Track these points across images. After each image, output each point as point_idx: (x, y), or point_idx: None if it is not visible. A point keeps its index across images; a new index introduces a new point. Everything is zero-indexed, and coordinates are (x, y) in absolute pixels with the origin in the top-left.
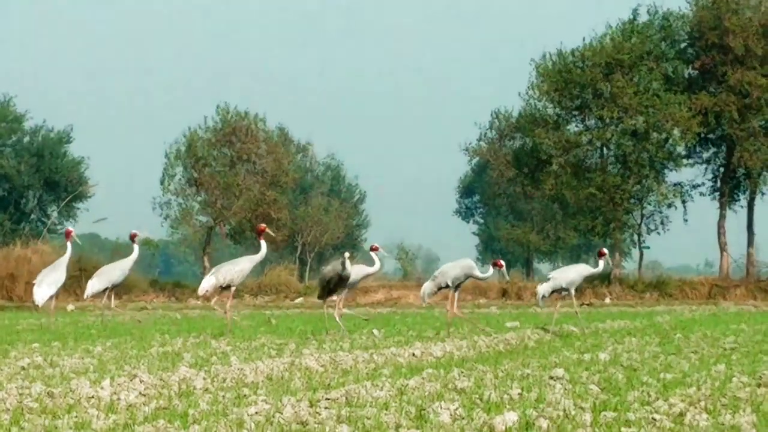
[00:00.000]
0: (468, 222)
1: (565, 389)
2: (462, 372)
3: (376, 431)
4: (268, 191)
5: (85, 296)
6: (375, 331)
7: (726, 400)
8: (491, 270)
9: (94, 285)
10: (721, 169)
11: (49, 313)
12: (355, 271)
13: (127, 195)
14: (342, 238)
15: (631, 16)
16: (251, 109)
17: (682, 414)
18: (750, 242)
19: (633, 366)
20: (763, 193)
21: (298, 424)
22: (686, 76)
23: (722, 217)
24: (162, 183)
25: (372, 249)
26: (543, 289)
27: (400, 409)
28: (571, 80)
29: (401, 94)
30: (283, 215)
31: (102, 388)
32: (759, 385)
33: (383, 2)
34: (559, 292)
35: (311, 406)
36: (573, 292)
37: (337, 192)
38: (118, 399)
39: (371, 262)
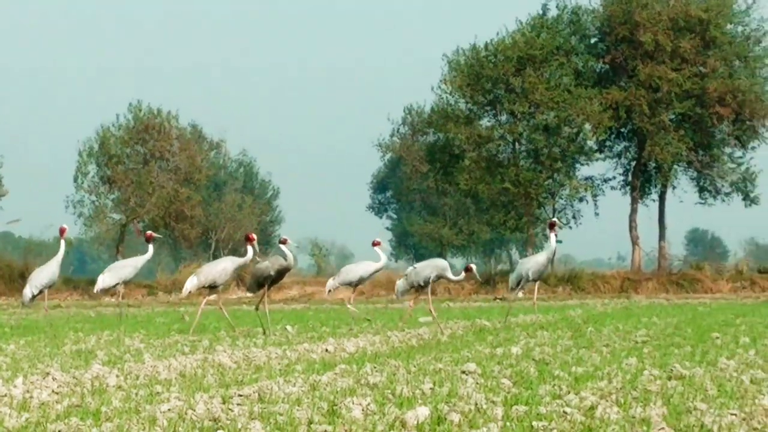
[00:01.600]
0: (381, 217)
1: (477, 383)
2: (374, 367)
3: (289, 427)
4: (181, 188)
5: (95, 290)
6: (288, 327)
7: (637, 393)
8: (463, 275)
9: (105, 280)
10: (632, 163)
11: (42, 310)
12: (363, 267)
13: (40, 193)
14: (255, 234)
15: (541, 12)
16: (164, 107)
17: (593, 407)
18: (661, 236)
19: (545, 360)
20: (674, 187)
21: (210, 420)
22: (597, 70)
23: (634, 210)
24: (75, 181)
25: (374, 244)
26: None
27: (313, 405)
28: (483, 75)
29: (314, 89)
30: (197, 212)
31: (15, 386)
32: (670, 378)
33: None
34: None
35: (224, 402)
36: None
37: (251, 188)
38: (31, 397)
39: (376, 258)
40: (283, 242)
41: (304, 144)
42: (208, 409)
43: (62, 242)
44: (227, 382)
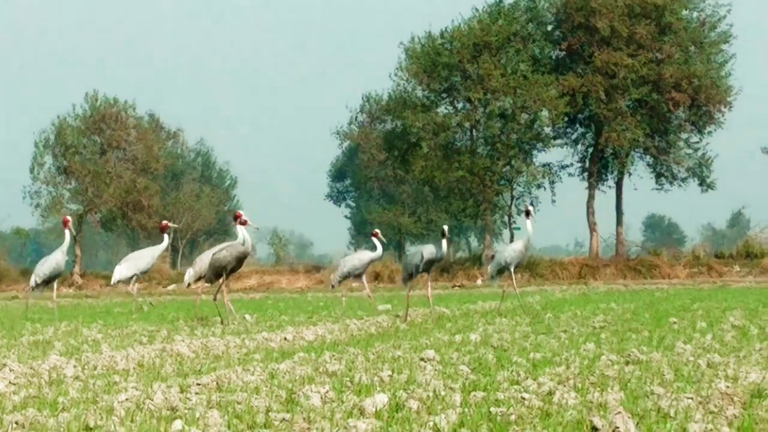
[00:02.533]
0: (340, 206)
1: (436, 370)
2: (333, 355)
3: (247, 416)
4: (138, 178)
5: (112, 282)
6: (247, 316)
7: (594, 378)
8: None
9: (121, 272)
10: (590, 150)
11: (52, 300)
12: (358, 256)
13: None
14: (213, 224)
15: None
16: (120, 96)
17: (551, 392)
18: (619, 222)
19: (503, 346)
20: (630, 173)
21: (168, 410)
22: (553, 57)
23: (591, 197)
24: (32, 171)
25: (373, 235)
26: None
27: (271, 393)
28: (440, 62)
29: (272, 78)
30: (154, 202)
31: None
32: (627, 363)
33: None
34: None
35: (182, 391)
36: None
37: (208, 178)
38: None
39: (373, 248)
40: (375, 235)
41: (261, 133)
42: (166, 398)
43: (66, 232)
44: (185, 371)
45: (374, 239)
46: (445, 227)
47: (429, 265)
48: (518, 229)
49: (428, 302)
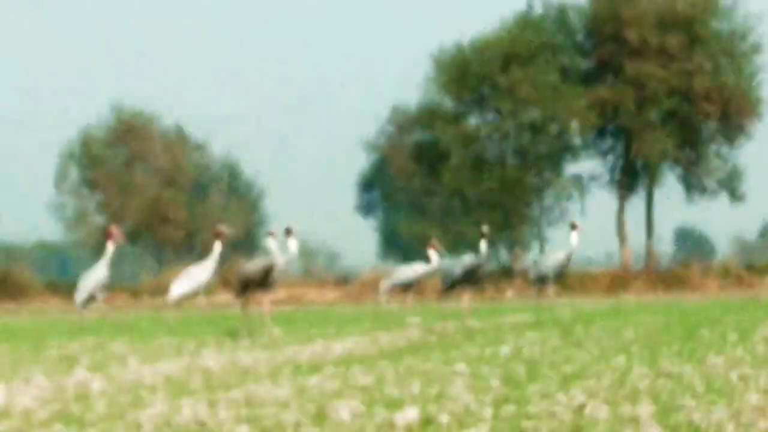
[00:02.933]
0: (368, 218)
1: (466, 384)
2: (362, 369)
3: (276, 430)
4: (164, 190)
5: (170, 298)
6: (275, 330)
7: (625, 391)
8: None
9: (178, 288)
10: (619, 161)
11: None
12: (413, 267)
13: (19, 196)
14: (241, 236)
15: (527, 9)
16: (147, 108)
17: (582, 406)
18: (649, 233)
19: (534, 359)
20: (660, 185)
21: (196, 425)
22: (583, 68)
23: (621, 208)
24: (56, 184)
25: (430, 246)
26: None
27: (300, 408)
28: (469, 73)
29: (298, 89)
30: (181, 214)
31: None
32: (658, 376)
33: None
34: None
35: (210, 406)
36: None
37: (235, 190)
38: (13, 404)
39: (427, 260)
40: (271, 234)
41: (289, 144)
42: (194, 413)
43: (109, 244)
44: (214, 386)
45: (430, 251)
46: (485, 227)
47: (470, 274)
48: (548, 241)
49: (462, 315)
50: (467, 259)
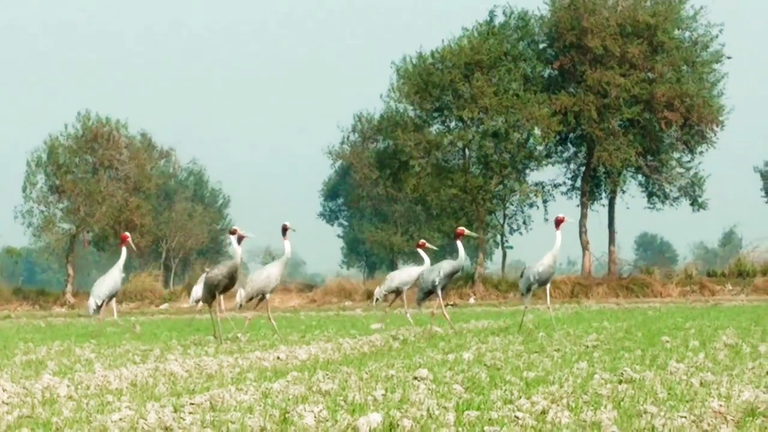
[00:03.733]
0: (332, 225)
1: (429, 389)
2: (326, 374)
3: None
4: (131, 197)
5: (190, 302)
6: (240, 335)
7: (588, 396)
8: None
9: (198, 291)
10: (582, 169)
11: (98, 320)
12: (407, 271)
13: None
14: (206, 243)
15: (488, 18)
16: (113, 115)
17: (544, 412)
18: (611, 240)
19: (496, 365)
20: (623, 192)
21: (162, 429)
22: (545, 76)
23: (583, 216)
24: (24, 191)
25: (419, 246)
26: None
27: (265, 413)
28: (431, 82)
29: (265, 97)
30: (147, 221)
31: None
32: (620, 382)
33: (245, 2)
34: (394, 293)
35: (175, 411)
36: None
37: (201, 197)
38: None
39: (420, 261)
40: (233, 233)
41: (254, 152)
42: (159, 418)
43: (123, 249)
44: (179, 390)
45: (420, 251)
46: (461, 228)
47: (449, 279)
48: (510, 247)
49: (430, 320)
50: (446, 265)
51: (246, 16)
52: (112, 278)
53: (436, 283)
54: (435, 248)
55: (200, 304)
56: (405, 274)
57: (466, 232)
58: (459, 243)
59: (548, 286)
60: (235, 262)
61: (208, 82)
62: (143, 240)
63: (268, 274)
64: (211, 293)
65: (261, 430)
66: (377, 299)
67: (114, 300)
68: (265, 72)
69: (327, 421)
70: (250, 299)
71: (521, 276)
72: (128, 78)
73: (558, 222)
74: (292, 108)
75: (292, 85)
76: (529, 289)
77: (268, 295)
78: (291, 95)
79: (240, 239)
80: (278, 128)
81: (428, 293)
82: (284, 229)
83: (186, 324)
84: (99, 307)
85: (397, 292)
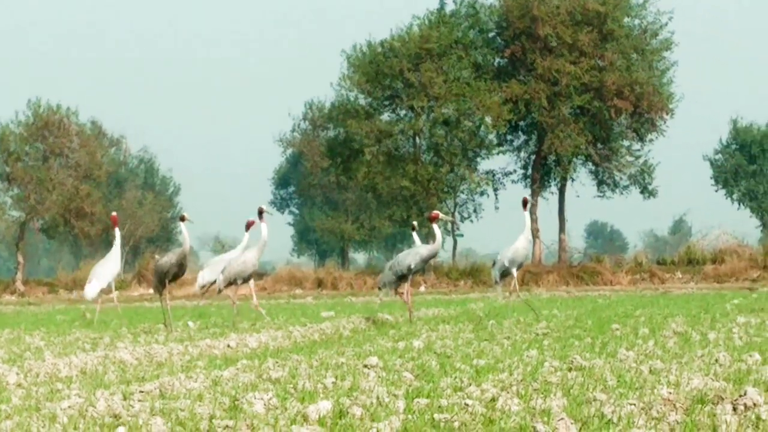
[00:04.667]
0: (283, 213)
1: (379, 377)
2: (277, 362)
3: (190, 423)
4: (81, 185)
5: (196, 287)
6: (190, 323)
7: (537, 384)
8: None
9: (204, 276)
10: (532, 157)
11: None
12: (416, 251)
13: None
14: (157, 231)
15: (439, 6)
16: (63, 103)
17: (494, 399)
18: (561, 228)
19: (446, 353)
20: (573, 180)
21: (111, 417)
22: (496, 64)
23: (534, 204)
24: None
25: (432, 218)
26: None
27: (214, 400)
28: (382, 70)
29: (215, 85)
30: (97, 209)
31: None
32: (570, 369)
33: None
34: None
35: (125, 398)
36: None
37: (151, 185)
38: None
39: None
40: (182, 219)
41: (205, 140)
42: (108, 405)
43: (117, 231)
44: (128, 378)
45: (433, 225)
46: (436, 211)
47: (424, 263)
48: (461, 235)
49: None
50: (423, 250)
51: (196, 3)
52: (114, 260)
53: (412, 267)
54: (452, 220)
55: (223, 289)
56: (416, 254)
57: (441, 216)
58: (435, 227)
59: (514, 271)
60: (184, 249)
61: (159, 70)
62: (93, 228)
63: (245, 260)
64: (161, 281)
65: (210, 417)
66: (380, 286)
67: (113, 283)
68: (216, 60)
69: (277, 408)
70: (229, 284)
71: (493, 265)
72: (79, 66)
73: (525, 203)
74: (243, 96)
75: (243, 73)
76: (504, 274)
77: (251, 282)
78: (242, 83)
79: (182, 219)
80: (229, 116)
81: (402, 277)
82: (260, 212)
83: (136, 312)
84: (102, 291)
85: (406, 275)
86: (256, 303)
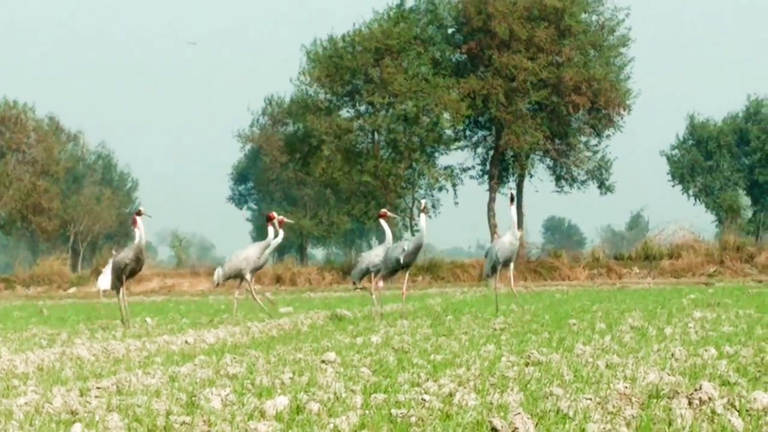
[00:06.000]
0: (242, 209)
1: (337, 372)
2: (234, 358)
3: (147, 419)
4: (39, 181)
5: (214, 282)
6: (148, 320)
7: (495, 379)
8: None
9: (219, 272)
10: (490, 152)
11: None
12: (375, 252)
13: None
14: (114, 226)
15: (399, 2)
16: (20, 98)
17: (451, 394)
18: (519, 224)
19: (404, 348)
20: (531, 175)
21: (67, 413)
22: (454, 60)
23: (492, 199)
24: None
25: (380, 216)
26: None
27: (172, 396)
28: (342, 66)
29: (174, 80)
30: (55, 205)
31: None
32: (527, 364)
33: None
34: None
35: (81, 395)
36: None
37: (109, 181)
38: None
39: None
40: (139, 214)
41: (163, 136)
42: (65, 402)
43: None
44: (85, 374)
45: (382, 222)
46: (424, 201)
47: (414, 255)
48: (419, 231)
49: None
50: (407, 243)
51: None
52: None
53: (401, 260)
54: (396, 217)
55: (221, 284)
56: (374, 254)
57: (389, 213)
58: (384, 224)
59: (512, 266)
60: (139, 244)
61: (116, 65)
62: (51, 224)
63: (246, 256)
64: (119, 277)
65: (167, 413)
66: (354, 282)
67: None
68: (175, 54)
69: (234, 404)
70: (228, 279)
71: (486, 256)
72: (36, 61)
73: (512, 198)
74: (202, 91)
75: (202, 68)
76: (494, 270)
77: (248, 276)
78: (201, 78)
79: (138, 213)
80: (188, 111)
81: (394, 271)
82: (269, 219)
83: (94, 308)
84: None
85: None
86: (239, 298)
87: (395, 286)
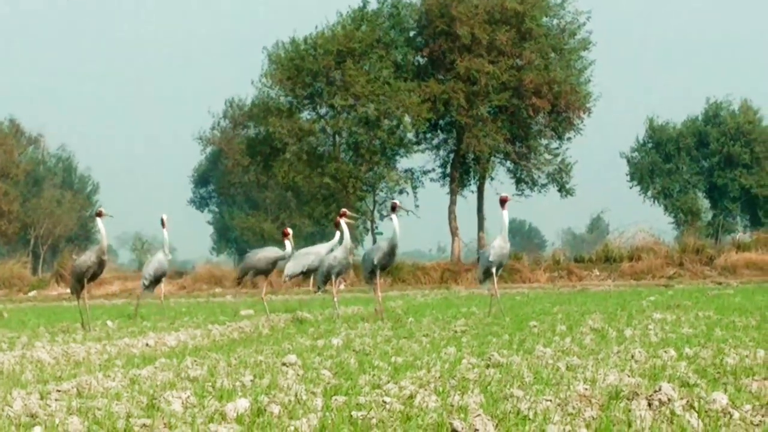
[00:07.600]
0: (203, 211)
1: (298, 375)
2: (195, 361)
3: (107, 421)
4: None
5: (283, 278)
6: (109, 323)
7: (455, 381)
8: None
9: (289, 268)
10: (451, 155)
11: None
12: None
13: None
14: (75, 230)
15: (362, 4)
16: None
17: (412, 396)
18: (480, 226)
19: (365, 351)
20: (492, 178)
21: (27, 416)
22: (416, 63)
23: (453, 202)
24: None
25: (284, 234)
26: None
27: (132, 399)
28: (304, 68)
29: (134, 82)
30: (15, 208)
31: None
32: (488, 366)
33: None
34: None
35: (42, 398)
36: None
37: (70, 184)
38: None
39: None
40: (99, 215)
41: (123, 138)
42: (25, 405)
43: (164, 231)
44: (46, 377)
45: (341, 222)
46: (398, 201)
47: (389, 257)
48: (380, 234)
49: (377, 302)
50: (383, 244)
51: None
52: (156, 260)
53: (375, 262)
54: (357, 217)
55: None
56: (332, 257)
57: (349, 213)
58: (344, 224)
59: (497, 270)
60: (102, 246)
61: (77, 68)
62: (11, 227)
63: (335, 255)
64: (80, 281)
65: (127, 416)
66: (318, 287)
67: (163, 281)
68: (136, 56)
69: (194, 407)
70: (298, 274)
71: (478, 260)
72: None
73: (503, 201)
74: (162, 93)
75: (163, 70)
76: (487, 274)
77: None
78: (161, 80)
79: (99, 214)
80: (148, 113)
81: (372, 273)
82: (337, 224)
83: (54, 311)
84: (147, 287)
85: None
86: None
87: (358, 288)
